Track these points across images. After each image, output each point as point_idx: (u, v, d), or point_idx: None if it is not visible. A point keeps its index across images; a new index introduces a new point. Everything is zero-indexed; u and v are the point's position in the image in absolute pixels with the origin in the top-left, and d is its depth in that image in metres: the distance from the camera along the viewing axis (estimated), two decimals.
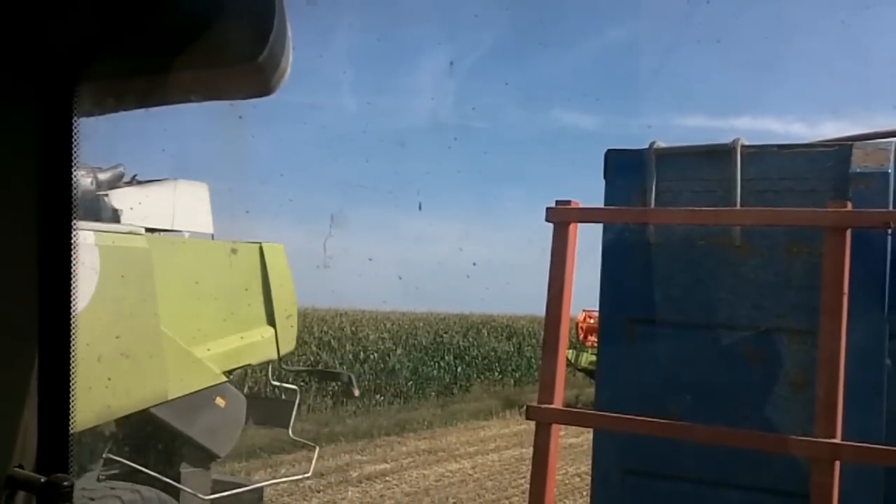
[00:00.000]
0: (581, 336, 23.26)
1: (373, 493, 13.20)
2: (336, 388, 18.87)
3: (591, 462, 4.79)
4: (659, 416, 3.95)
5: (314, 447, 10.70)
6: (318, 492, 13.13)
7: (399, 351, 24.66)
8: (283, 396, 11.37)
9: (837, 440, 3.57)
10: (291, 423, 9.34)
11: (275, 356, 8.60)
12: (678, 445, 4.04)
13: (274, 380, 10.64)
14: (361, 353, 23.55)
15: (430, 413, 21.37)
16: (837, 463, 3.57)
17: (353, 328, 24.75)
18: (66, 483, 1.33)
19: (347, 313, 25.90)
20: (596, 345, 23.91)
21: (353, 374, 13.02)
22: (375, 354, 23.83)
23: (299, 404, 9.97)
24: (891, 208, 3.83)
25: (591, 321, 22.81)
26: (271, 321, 8.33)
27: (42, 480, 1.32)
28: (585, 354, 23.14)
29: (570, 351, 24.38)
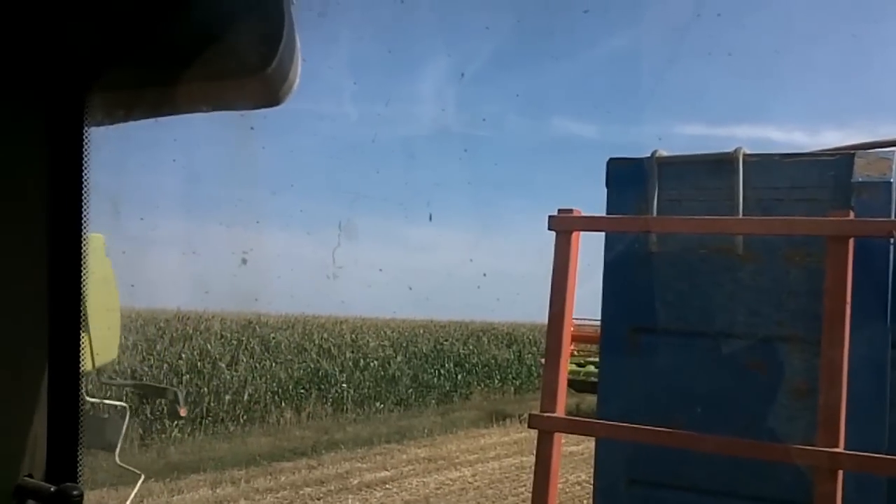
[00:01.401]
0: None
1: (373, 501, 13.18)
2: (163, 405, 16.97)
3: (592, 470, 4.78)
4: (661, 425, 3.95)
5: (139, 475, 9.43)
6: (318, 499, 13.11)
7: (399, 358, 24.64)
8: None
9: (839, 449, 3.57)
10: (119, 446, 8.03)
11: (88, 367, 7.24)
12: (681, 454, 4.04)
13: (89, 395, 9.09)
14: (361, 360, 23.53)
15: (430, 421, 21.35)
16: (840, 472, 3.57)
17: (354, 335, 24.73)
18: (75, 492, 1.33)
19: (348, 320, 25.89)
20: (575, 354, 22.83)
21: (179, 391, 11.75)
22: (375, 362, 23.81)
23: (129, 424, 8.76)
24: (893, 217, 3.83)
25: (570, 329, 22.93)
26: (84, 326, 7.21)
27: (52, 490, 1.33)
28: None
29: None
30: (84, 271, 1.39)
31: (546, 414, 4.21)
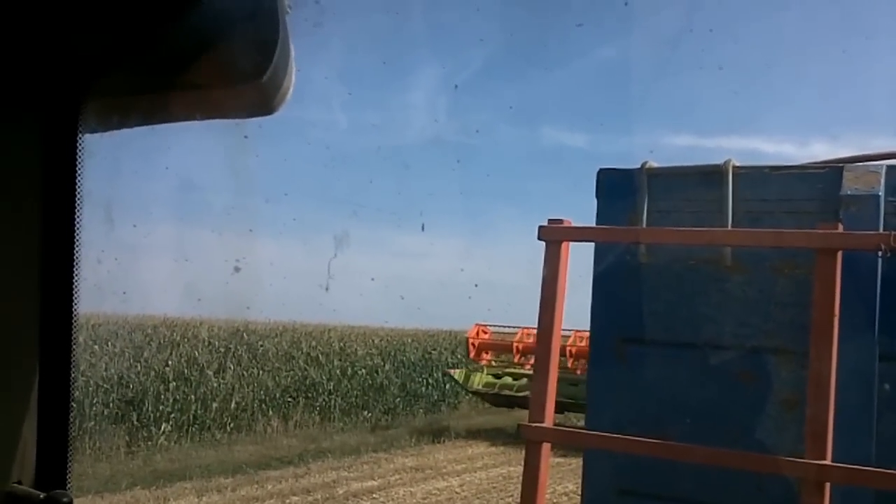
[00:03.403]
0: (472, 354, 21.67)
1: None
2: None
3: (579, 481, 4.78)
4: (650, 435, 3.95)
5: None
6: None
7: (387, 367, 24.62)
8: None
9: (827, 461, 3.58)
10: None
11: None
12: (670, 465, 4.05)
13: None
14: (349, 368, 23.50)
15: (417, 430, 21.32)
16: (827, 484, 3.58)
17: (342, 344, 24.69)
18: (65, 499, 1.33)
19: (336, 329, 25.85)
20: (493, 363, 21.13)
21: None
22: (363, 370, 23.78)
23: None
24: (881, 231, 3.85)
25: (486, 336, 21.62)
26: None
27: (41, 496, 1.33)
28: (479, 375, 21.47)
29: (459, 371, 22.35)
30: (77, 278, 1.39)
31: (535, 424, 4.21)
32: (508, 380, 20.82)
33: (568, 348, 19.16)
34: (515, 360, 21.24)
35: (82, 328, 1.45)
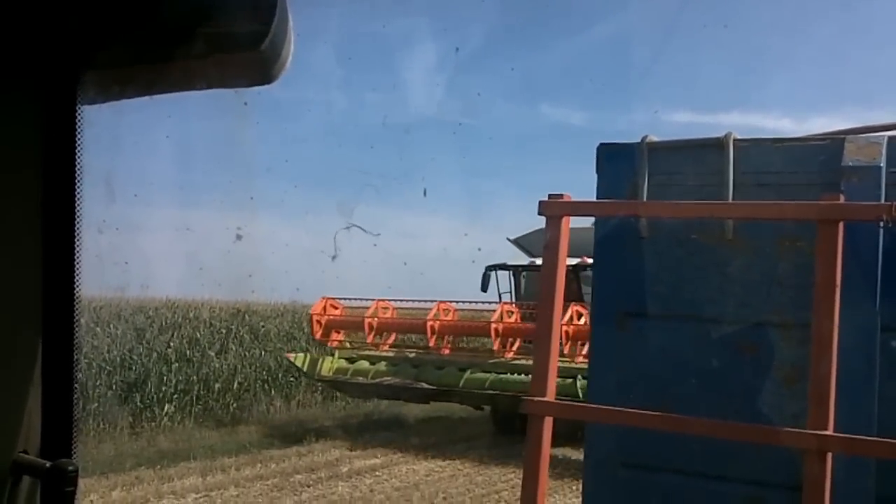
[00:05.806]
0: (318, 334, 17.73)
1: (363, 488, 13.21)
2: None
3: (580, 454, 4.80)
4: (652, 408, 3.97)
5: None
6: (308, 486, 13.14)
7: None
8: None
9: (828, 432, 3.59)
10: None
11: None
12: (672, 438, 4.06)
13: None
14: None
15: (420, 408, 21.38)
16: (829, 454, 3.60)
17: None
18: (70, 468, 1.34)
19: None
20: (344, 346, 18.49)
21: None
22: None
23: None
24: (882, 201, 3.85)
25: (336, 312, 17.95)
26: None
27: (47, 465, 1.33)
28: (330, 359, 17.80)
29: (302, 355, 18.40)
30: (78, 248, 1.39)
31: (537, 398, 4.22)
32: (365, 364, 17.58)
33: (429, 324, 17.01)
34: (369, 340, 17.63)
35: (84, 310, 1.45)
